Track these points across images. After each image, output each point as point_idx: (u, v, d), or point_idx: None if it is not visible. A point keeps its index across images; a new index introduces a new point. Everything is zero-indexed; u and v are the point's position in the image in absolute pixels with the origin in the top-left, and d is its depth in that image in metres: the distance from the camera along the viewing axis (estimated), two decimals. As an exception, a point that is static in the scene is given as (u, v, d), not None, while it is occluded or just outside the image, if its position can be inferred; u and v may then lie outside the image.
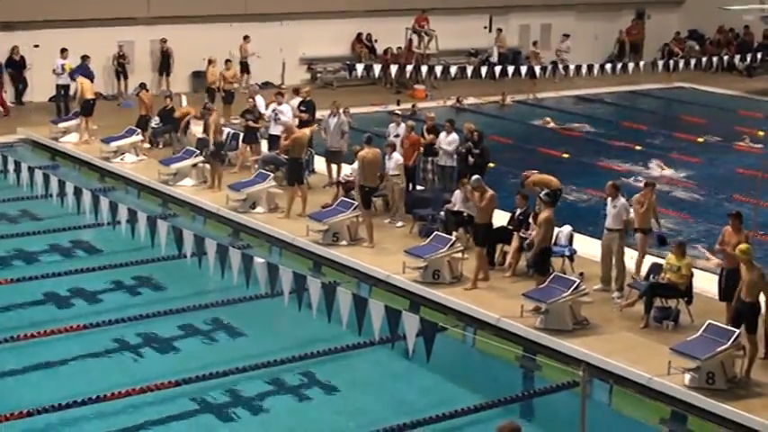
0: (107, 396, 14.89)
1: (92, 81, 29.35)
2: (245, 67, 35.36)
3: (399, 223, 21.79)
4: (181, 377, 15.54)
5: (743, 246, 15.84)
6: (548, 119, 33.82)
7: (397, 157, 21.76)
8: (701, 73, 39.90)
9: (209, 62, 31.41)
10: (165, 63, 34.69)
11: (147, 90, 28.93)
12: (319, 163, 25.30)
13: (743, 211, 18.27)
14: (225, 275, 17.55)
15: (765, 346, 15.99)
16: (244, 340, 17.58)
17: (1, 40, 32.58)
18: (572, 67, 36.72)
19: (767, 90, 39.64)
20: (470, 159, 22.18)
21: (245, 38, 35.51)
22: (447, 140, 22.80)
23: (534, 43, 39.85)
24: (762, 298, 15.63)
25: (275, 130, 24.96)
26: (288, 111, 25.57)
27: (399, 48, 38.38)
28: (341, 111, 24.81)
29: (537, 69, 36.23)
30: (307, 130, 23.92)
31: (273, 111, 25.53)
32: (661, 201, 24.77)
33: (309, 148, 24.99)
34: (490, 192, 18.81)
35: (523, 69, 36.25)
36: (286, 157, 22.82)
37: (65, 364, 16.31)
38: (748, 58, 40.13)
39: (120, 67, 34.09)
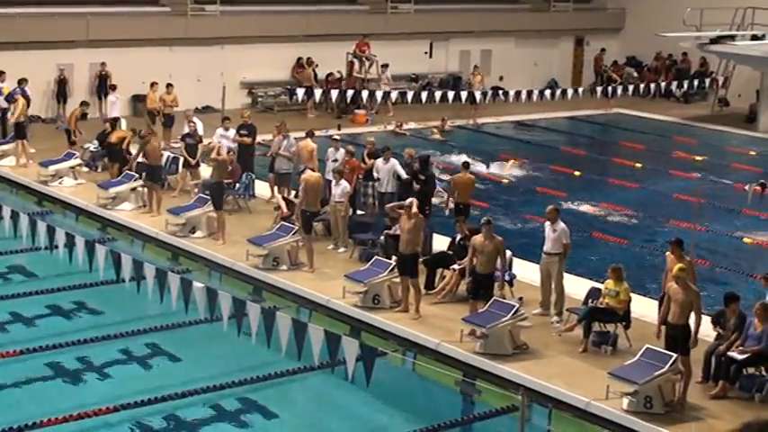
0: (44, 422, 14.68)
1: (29, 104, 29.10)
2: (309, 92, 34.90)
3: (341, 249, 21.77)
4: (119, 402, 15.39)
5: (680, 264, 15.99)
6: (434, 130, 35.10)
7: (345, 184, 21.71)
8: (638, 99, 40.41)
9: (151, 86, 31.26)
10: (102, 86, 34.33)
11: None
12: (261, 187, 25.27)
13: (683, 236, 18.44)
14: (164, 300, 17.40)
15: (702, 369, 16.18)
16: (183, 365, 17.44)
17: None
18: (512, 92, 36.88)
19: (703, 116, 40.18)
20: (415, 185, 22.05)
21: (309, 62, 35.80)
22: (390, 164, 22.84)
23: (475, 68, 40.01)
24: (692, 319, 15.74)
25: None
26: (234, 137, 25.63)
27: (340, 72, 38.46)
28: (289, 133, 24.88)
29: (477, 95, 36.37)
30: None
31: (220, 137, 25.49)
32: (599, 226, 25.18)
33: (250, 173, 25.01)
34: (419, 217, 18.87)
35: (464, 94, 36.47)
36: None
37: (1, 390, 16.07)
38: (685, 85, 40.58)
39: (61, 91, 33.76)
